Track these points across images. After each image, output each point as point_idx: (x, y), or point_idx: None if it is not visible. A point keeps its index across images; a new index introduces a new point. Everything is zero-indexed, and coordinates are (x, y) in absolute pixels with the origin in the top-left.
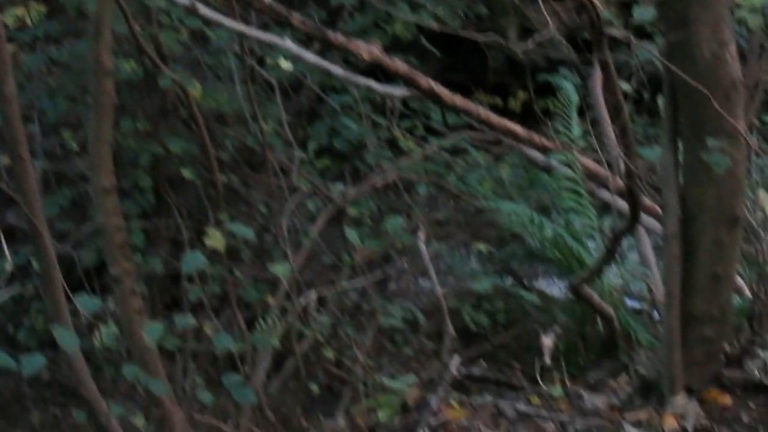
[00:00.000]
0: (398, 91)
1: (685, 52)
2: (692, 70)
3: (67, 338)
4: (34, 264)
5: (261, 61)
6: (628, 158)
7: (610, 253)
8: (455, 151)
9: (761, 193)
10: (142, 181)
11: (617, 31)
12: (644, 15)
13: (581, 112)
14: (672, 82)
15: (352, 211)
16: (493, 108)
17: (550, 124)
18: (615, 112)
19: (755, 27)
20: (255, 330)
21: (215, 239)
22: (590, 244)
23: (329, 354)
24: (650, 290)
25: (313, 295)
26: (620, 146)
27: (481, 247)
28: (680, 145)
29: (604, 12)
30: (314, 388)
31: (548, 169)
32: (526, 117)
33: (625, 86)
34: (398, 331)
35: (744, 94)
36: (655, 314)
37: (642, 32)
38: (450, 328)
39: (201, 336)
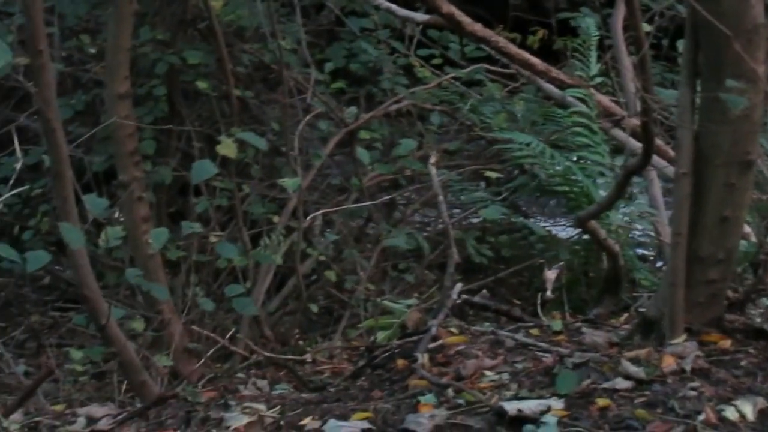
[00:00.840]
0: (419, 16)
1: None
2: (716, 11)
3: (72, 235)
4: (46, 161)
5: None
6: (645, 93)
7: (620, 190)
8: (471, 83)
9: None
10: (157, 89)
11: None
12: None
13: (600, 52)
14: (694, 21)
15: (364, 135)
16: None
17: (568, 61)
18: (636, 49)
19: None
20: (259, 246)
21: (227, 147)
22: (600, 181)
23: (331, 275)
24: (657, 232)
25: (319, 216)
26: (638, 82)
27: (491, 174)
28: (698, 86)
29: None
30: (314, 308)
31: (563, 105)
32: (545, 55)
33: (646, 27)
34: (402, 257)
35: (766, 39)
36: (659, 263)
37: None
38: (455, 254)
39: (205, 249)
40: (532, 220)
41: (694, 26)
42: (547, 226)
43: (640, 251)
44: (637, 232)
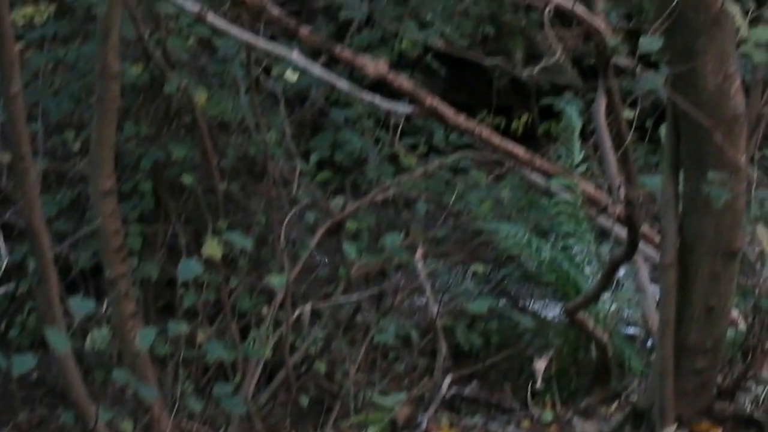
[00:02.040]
0: (402, 108)
1: (689, 84)
2: (696, 102)
3: (58, 339)
4: (31, 263)
5: (267, 71)
6: (629, 185)
7: (607, 280)
8: (456, 170)
9: (759, 227)
10: (142, 185)
11: (623, 59)
12: (651, 45)
13: (584, 138)
14: (675, 112)
15: (350, 225)
16: (496, 129)
17: (551, 147)
18: (618, 139)
19: (760, 61)
20: (248, 339)
21: (212, 248)
22: (587, 269)
23: (321, 367)
24: (645, 318)
25: (307, 307)
26: (621, 173)
27: (478, 268)
28: (681, 175)
29: (611, 40)
30: (304, 400)
31: (548, 193)
32: (529, 139)
33: (628, 113)
34: (391, 348)
35: (746, 128)
36: (649, 342)
37: (647, 61)
38: (443, 347)
39: (193, 343)
40: (521, 303)
41: (675, 117)
42: (537, 309)
43: (630, 330)
44: (627, 312)
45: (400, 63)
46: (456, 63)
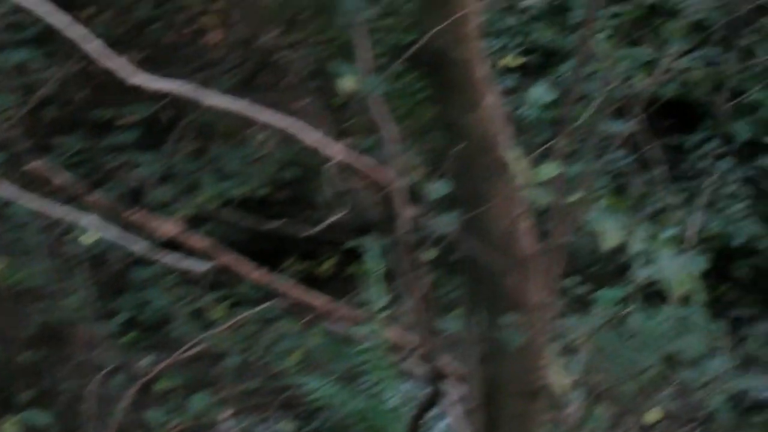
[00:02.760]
0: (200, 266)
1: (478, 228)
2: (487, 245)
3: None
4: None
5: (66, 233)
6: (427, 334)
7: (415, 426)
8: (266, 320)
9: (553, 367)
10: None
11: (411, 210)
12: (439, 191)
13: (388, 281)
14: (468, 256)
15: (161, 385)
16: (304, 274)
17: (357, 291)
18: (414, 284)
19: (544, 204)
20: None
21: (11, 430)
22: (397, 417)
23: None
24: None
25: None
26: (421, 319)
27: (286, 426)
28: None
29: (398, 190)
30: None
31: (354, 340)
32: (337, 282)
33: (428, 254)
34: None
35: (542, 264)
36: None
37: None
38: None
39: None
40: None
41: (468, 260)
42: None
43: None
44: None
45: (200, 216)
46: (260, 209)
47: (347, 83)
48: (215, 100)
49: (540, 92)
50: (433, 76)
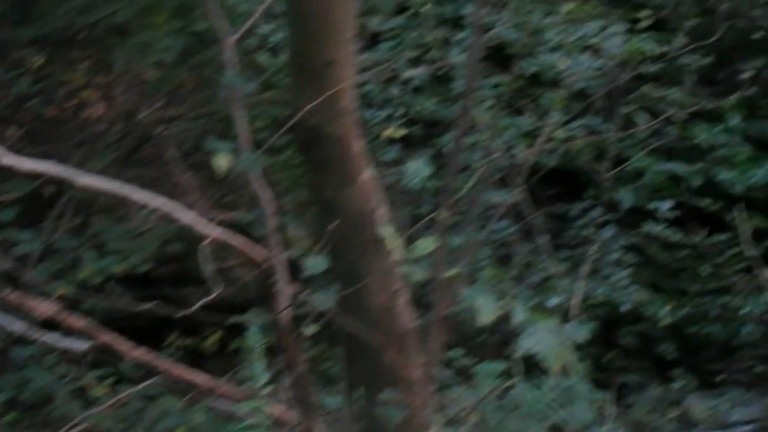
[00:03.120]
0: (80, 345)
1: (357, 303)
2: (365, 321)
3: None
4: None
5: None
6: (308, 408)
7: None
8: (149, 398)
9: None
10: None
11: (290, 286)
12: (319, 266)
13: (272, 354)
14: (347, 332)
15: None
16: (188, 350)
17: (240, 367)
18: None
19: (422, 279)
20: None
21: None
22: None
23: None
24: None
25: None
26: (301, 396)
27: None
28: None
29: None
30: None
31: (237, 417)
32: (222, 357)
33: (309, 330)
34: None
35: (422, 339)
36: None
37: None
38: None
39: None
40: None
41: (346, 337)
42: None
43: None
44: None
45: (81, 293)
46: (144, 284)
47: (222, 160)
48: (88, 180)
49: (419, 165)
50: (308, 152)
